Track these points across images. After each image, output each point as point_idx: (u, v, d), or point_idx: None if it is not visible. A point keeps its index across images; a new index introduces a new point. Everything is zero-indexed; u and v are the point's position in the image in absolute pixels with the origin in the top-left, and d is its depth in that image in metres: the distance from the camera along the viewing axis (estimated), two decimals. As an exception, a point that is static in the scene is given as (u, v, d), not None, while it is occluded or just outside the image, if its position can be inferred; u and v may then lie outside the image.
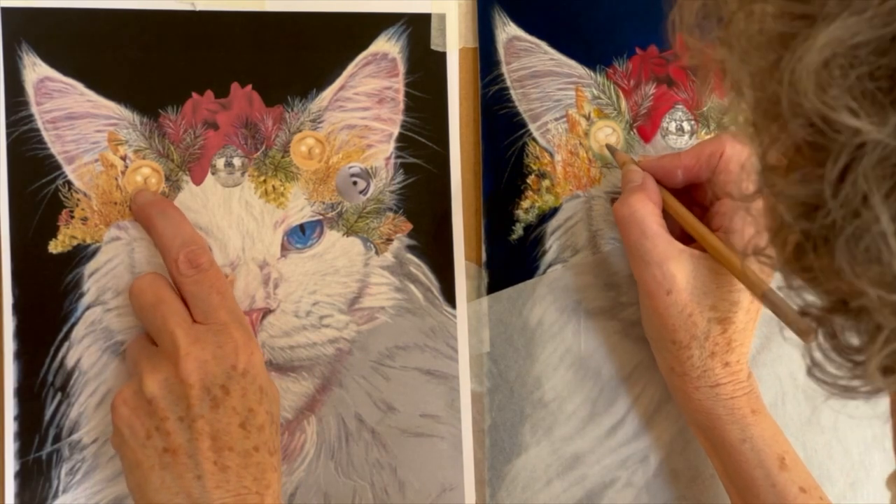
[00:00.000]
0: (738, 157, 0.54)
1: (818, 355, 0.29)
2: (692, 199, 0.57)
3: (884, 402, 0.32)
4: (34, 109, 0.51)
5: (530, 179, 0.59)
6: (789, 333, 0.49)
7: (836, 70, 0.25)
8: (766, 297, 0.48)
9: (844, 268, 0.26)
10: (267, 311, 0.54)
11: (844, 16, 0.24)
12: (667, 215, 0.56)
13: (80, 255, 0.52)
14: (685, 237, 0.55)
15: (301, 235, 0.55)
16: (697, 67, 0.32)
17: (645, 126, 0.60)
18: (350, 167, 0.56)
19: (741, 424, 0.54)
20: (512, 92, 0.58)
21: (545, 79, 0.59)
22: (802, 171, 0.27)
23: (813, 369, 0.29)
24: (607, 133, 0.60)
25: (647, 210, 0.54)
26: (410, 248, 0.57)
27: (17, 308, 0.51)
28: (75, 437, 0.52)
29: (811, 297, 0.29)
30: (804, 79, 0.25)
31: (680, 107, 0.60)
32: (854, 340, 0.28)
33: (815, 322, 0.29)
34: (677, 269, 0.53)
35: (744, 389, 0.55)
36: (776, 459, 0.54)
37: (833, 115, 0.25)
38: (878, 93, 0.24)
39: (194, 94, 0.53)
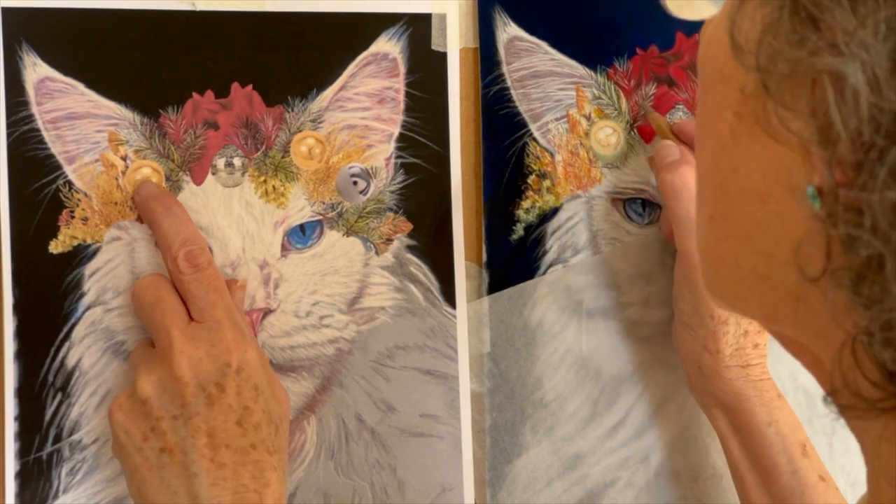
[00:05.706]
0: None
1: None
2: None
3: None
4: (34, 109, 0.51)
5: (531, 179, 0.59)
6: None
7: None
8: None
9: None
10: (267, 311, 0.54)
11: None
12: None
13: (81, 255, 0.52)
14: None
15: (301, 235, 0.55)
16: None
17: (645, 126, 0.60)
18: (350, 167, 0.56)
19: (769, 407, 0.55)
20: (512, 92, 0.58)
21: (546, 79, 0.59)
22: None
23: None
24: (608, 133, 0.60)
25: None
26: (410, 248, 0.57)
27: (18, 308, 0.51)
28: (76, 437, 0.52)
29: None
30: None
31: (680, 107, 0.60)
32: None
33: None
34: None
35: (768, 374, 0.56)
36: (799, 445, 0.54)
37: None
38: None
39: (194, 94, 0.53)
